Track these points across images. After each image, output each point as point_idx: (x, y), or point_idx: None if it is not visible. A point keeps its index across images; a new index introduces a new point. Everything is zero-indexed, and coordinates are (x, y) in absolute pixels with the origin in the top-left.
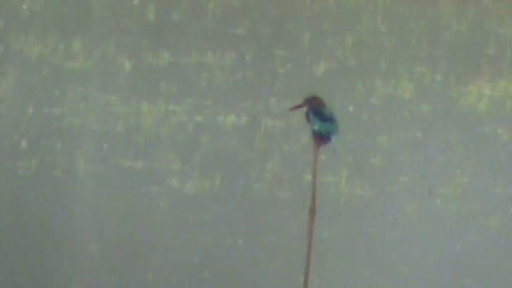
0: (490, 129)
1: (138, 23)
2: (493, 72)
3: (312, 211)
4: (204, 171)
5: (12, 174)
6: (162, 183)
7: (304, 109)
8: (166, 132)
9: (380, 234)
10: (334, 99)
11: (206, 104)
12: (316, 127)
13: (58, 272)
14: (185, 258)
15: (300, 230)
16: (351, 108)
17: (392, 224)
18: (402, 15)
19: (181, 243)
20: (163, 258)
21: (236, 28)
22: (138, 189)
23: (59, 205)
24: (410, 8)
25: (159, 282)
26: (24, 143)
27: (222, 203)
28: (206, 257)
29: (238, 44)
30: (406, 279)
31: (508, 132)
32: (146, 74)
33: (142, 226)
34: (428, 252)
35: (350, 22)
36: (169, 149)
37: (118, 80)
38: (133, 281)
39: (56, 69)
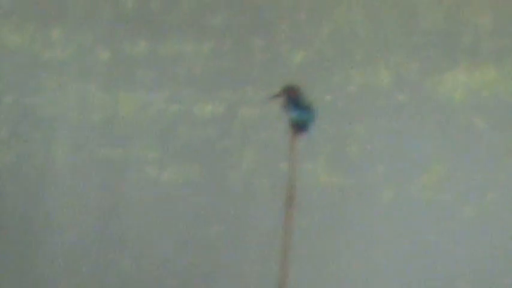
0: (466, 118)
1: (116, 12)
2: (470, 62)
3: (290, 198)
4: (181, 160)
5: None
6: (140, 172)
7: (282, 98)
8: (144, 121)
9: (357, 222)
10: (312, 88)
11: (184, 93)
12: (293, 116)
13: (36, 262)
14: (163, 247)
15: (277, 218)
16: (328, 97)
17: (369, 212)
18: (378, 4)
19: (159, 232)
20: (141, 247)
21: (214, 18)
22: (116, 178)
23: (37, 194)
24: None
25: (136, 271)
26: (1, 133)
27: (199, 192)
28: (184, 246)
29: (215, 33)
30: (382, 267)
31: (483, 122)
32: (124, 63)
33: (120, 215)
34: (404, 241)
35: (327, 11)
36: (147, 138)
37: (95, 69)
38: (110, 270)
39: (33, 59)
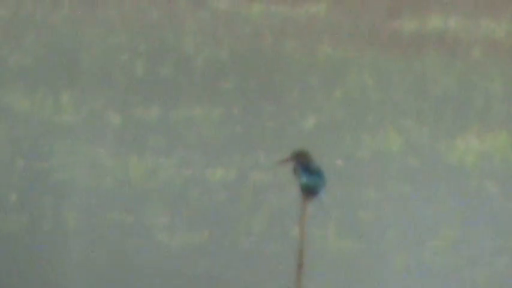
0: (477, 182)
1: (127, 78)
2: (481, 126)
3: (300, 265)
4: (192, 225)
5: (1, 229)
6: (151, 237)
7: (292, 163)
8: (154, 186)
9: (370, 287)
10: (322, 153)
11: (194, 158)
12: (303, 181)
13: None
14: None
15: (287, 283)
16: (338, 162)
17: (380, 278)
18: (389, 69)
19: None
20: None
21: (224, 82)
22: (126, 243)
23: (48, 260)
24: (397, 62)
25: None
26: (13, 197)
27: (210, 257)
28: None
29: (226, 98)
30: None
31: (495, 186)
32: (135, 128)
33: (130, 280)
34: None
35: (338, 76)
36: (158, 203)
37: (107, 134)
38: None
39: (44, 124)
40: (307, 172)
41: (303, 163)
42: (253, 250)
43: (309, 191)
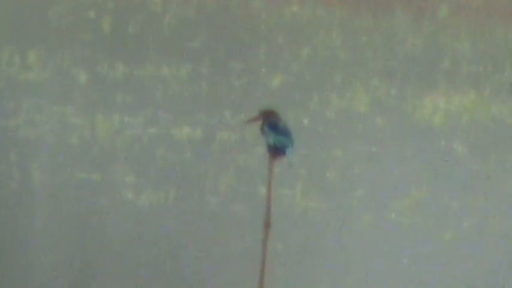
0: (445, 143)
1: (94, 35)
2: (448, 86)
3: (267, 224)
4: (158, 184)
5: None
6: (117, 196)
7: (259, 122)
8: (121, 145)
9: (334, 248)
10: (289, 113)
11: (161, 117)
12: (271, 140)
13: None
14: (139, 271)
15: (254, 243)
16: (305, 122)
17: (346, 237)
18: (357, 28)
19: (135, 256)
20: (117, 271)
21: (192, 41)
22: (93, 202)
23: (13, 216)
24: (366, 21)
25: None
26: None
27: (176, 216)
28: (160, 270)
29: (193, 56)
30: None
31: (463, 146)
32: (101, 86)
33: (96, 238)
34: (382, 267)
35: (305, 35)
36: (124, 162)
37: (73, 91)
38: None
39: (10, 81)
40: (275, 131)
41: (271, 122)
42: (220, 209)
43: (276, 151)
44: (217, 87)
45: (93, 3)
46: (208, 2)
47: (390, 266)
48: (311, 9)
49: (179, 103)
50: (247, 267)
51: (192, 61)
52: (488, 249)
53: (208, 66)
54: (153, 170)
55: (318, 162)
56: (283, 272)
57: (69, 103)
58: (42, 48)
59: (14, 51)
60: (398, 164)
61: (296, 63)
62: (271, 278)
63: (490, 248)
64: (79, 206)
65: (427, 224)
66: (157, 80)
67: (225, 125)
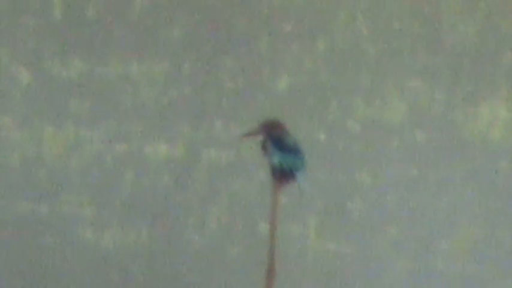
0: (506, 162)
1: (40, 22)
2: (511, 90)
3: (270, 272)
4: (127, 219)
5: None
6: (72, 234)
7: (261, 137)
8: (76, 166)
9: None
10: (301, 124)
11: (130, 129)
12: (275, 161)
13: None
14: None
15: None
16: (322, 136)
17: None
18: (391, 13)
19: None
20: None
21: (170, 29)
22: (39, 241)
23: None
24: (402, 4)
25: None
26: None
27: (150, 261)
28: None
29: (172, 50)
30: None
31: None
32: (50, 89)
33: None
34: None
35: (321, 23)
36: (81, 189)
37: (12, 96)
38: None
39: None
40: (281, 149)
41: (275, 137)
42: (208, 252)
43: (283, 174)
44: (204, 91)
45: None
46: None
47: None
48: None
49: (154, 111)
50: None
51: (171, 56)
52: None
53: (193, 63)
54: (119, 200)
55: (338, 189)
56: None
57: (7, 111)
58: None
59: None
60: (445, 193)
61: (309, 59)
62: None
63: None
64: (21, 247)
65: (483, 273)
66: (124, 81)
67: (214, 140)
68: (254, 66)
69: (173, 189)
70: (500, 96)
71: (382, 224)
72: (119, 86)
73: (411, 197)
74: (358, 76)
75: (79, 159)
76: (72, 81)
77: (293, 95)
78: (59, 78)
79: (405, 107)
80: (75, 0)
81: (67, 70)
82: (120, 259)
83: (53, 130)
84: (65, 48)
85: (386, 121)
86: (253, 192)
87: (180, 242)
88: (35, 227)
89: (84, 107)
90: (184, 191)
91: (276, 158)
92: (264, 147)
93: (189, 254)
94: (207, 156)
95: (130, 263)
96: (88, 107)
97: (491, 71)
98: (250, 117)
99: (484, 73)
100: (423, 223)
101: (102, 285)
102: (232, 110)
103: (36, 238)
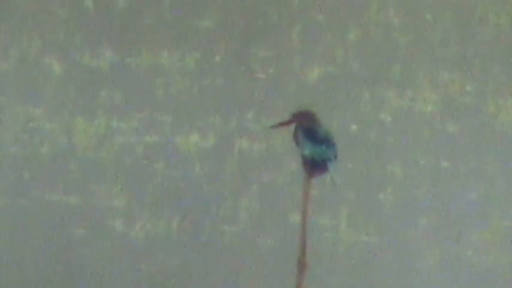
0: None
1: (71, 12)
2: None
3: (302, 264)
4: (157, 210)
5: None
6: (102, 225)
7: (292, 128)
8: (107, 157)
9: None
10: (332, 115)
11: (161, 120)
12: (307, 151)
13: None
14: None
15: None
16: (353, 127)
17: (408, 280)
18: (422, 4)
19: None
20: None
21: (202, 19)
22: (69, 233)
23: None
24: None
25: None
26: None
27: (181, 252)
28: None
29: (203, 40)
30: None
31: None
32: (81, 79)
33: (76, 281)
34: None
35: (353, 13)
36: (112, 180)
37: (44, 87)
38: None
39: None
40: (312, 140)
41: (307, 128)
42: (238, 244)
43: (315, 165)
44: (235, 81)
45: None
46: None
47: None
48: None
49: (185, 102)
50: None
51: (202, 46)
52: None
53: (224, 54)
54: (150, 191)
55: (370, 180)
56: None
57: (38, 102)
58: (3, 30)
59: None
60: (476, 184)
61: (341, 49)
62: None
63: None
64: (50, 237)
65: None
66: (155, 72)
67: (246, 131)
68: (286, 56)
69: (204, 180)
70: None
71: (413, 215)
72: (149, 76)
73: (442, 188)
74: (389, 67)
75: (110, 150)
76: (103, 71)
77: (325, 85)
78: (90, 68)
79: (437, 98)
80: None
81: (98, 61)
82: (150, 250)
83: (84, 121)
84: (96, 39)
85: (418, 112)
86: (284, 183)
87: (211, 234)
88: (66, 218)
89: (115, 97)
90: (215, 182)
91: (308, 149)
92: (295, 138)
93: (220, 245)
94: (238, 147)
95: (160, 254)
96: (119, 98)
97: None
98: (282, 107)
99: None
100: (454, 214)
101: (132, 277)
102: (264, 101)
103: (67, 229)
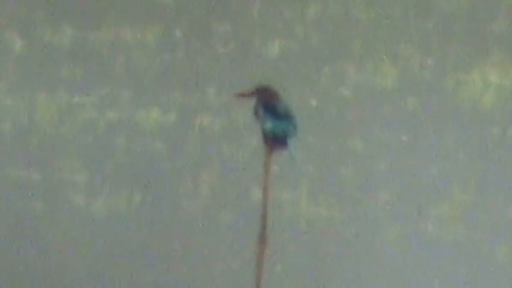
0: (498, 129)
1: None
2: (503, 54)
3: (262, 238)
4: (118, 185)
5: None
6: (64, 200)
7: (252, 103)
8: (69, 133)
9: (352, 268)
10: (292, 90)
11: (122, 96)
12: (267, 127)
13: None
14: None
15: (245, 262)
16: (313, 102)
17: (367, 256)
18: None
19: (88, 278)
20: None
21: None
22: (31, 207)
23: None
24: None
25: None
26: None
27: (142, 227)
28: None
29: (164, 15)
30: None
31: None
32: (42, 55)
33: (31, 254)
34: None
35: None
36: (73, 155)
37: (5, 63)
38: None
39: None
40: (273, 115)
41: (267, 103)
42: (200, 219)
43: (275, 140)
44: (196, 57)
45: None
46: None
47: None
48: None
49: (146, 78)
50: None
51: (163, 22)
52: None
53: (185, 29)
54: (111, 167)
55: (330, 155)
56: None
57: None
58: None
59: None
60: (436, 158)
61: (301, 24)
62: None
63: None
64: (13, 212)
65: (474, 237)
66: (116, 48)
67: (206, 106)
68: (246, 32)
69: (165, 155)
70: (492, 63)
71: (373, 189)
72: (111, 52)
73: (403, 163)
74: (349, 42)
75: (71, 125)
76: (64, 48)
77: (285, 60)
78: (51, 45)
79: (397, 73)
80: None
81: (59, 37)
82: (111, 225)
83: (45, 97)
84: (56, 15)
85: (378, 87)
86: (245, 158)
87: (172, 208)
88: (27, 193)
89: (76, 73)
90: (176, 157)
91: (268, 124)
92: (256, 113)
93: (181, 219)
94: (199, 122)
95: (121, 229)
96: (80, 74)
97: (482, 37)
98: (243, 83)
99: (475, 39)
100: (414, 189)
101: (93, 251)
102: (225, 76)
103: (28, 204)
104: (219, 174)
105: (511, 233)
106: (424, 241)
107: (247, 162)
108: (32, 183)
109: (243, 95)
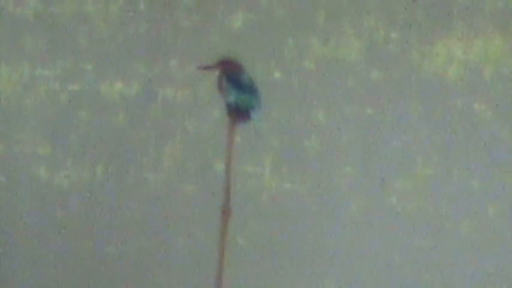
0: (462, 102)
1: None
2: (467, 27)
3: (226, 211)
4: (81, 157)
5: None
6: (26, 172)
7: (216, 75)
8: (31, 105)
9: (314, 242)
10: (256, 62)
11: (85, 68)
12: (231, 99)
13: None
14: (56, 268)
15: (209, 235)
16: (277, 75)
17: (332, 228)
18: None
19: (51, 250)
20: (28, 269)
21: None
22: None
23: None
24: None
25: None
26: None
27: (105, 199)
28: (83, 268)
29: None
30: None
31: (486, 107)
32: (5, 26)
33: None
34: (379, 265)
35: None
36: (35, 127)
37: None
38: None
39: None
40: (236, 87)
41: (231, 75)
42: (162, 191)
43: (239, 113)
44: (159, 29)
45: None
46: None
47: (388, 266)
48: None
49: (109, 50)
50: (198, 269)
51: None
52: None
53: (147, 1)
54: (73, 139)
55: (294, 128)
56: (246, 275)
57: None
58: None
59: None
60: (400, 131)
61: None
62: (230, 283)
63: None
64: None
65: (438, 210)
66: (79, 20)
67: (169, 78)
68: (209, 4)
69: (128, 127)
70: (456, 36)
71: (337, 162)
72: (73, 24)
73: (367, 136)
74: (313, 14)
75: (34, 98)
76: (27, 19)
77: (248, 32)
78: (13, 16)
79: (361, 46)
80: None
81: (21, 8)
82: (73, 197)
83: (7, 69)
84: None
85: (342, 60)
86: (208, 131)
87: (135, 180)
88: None
89: (39, 45)
90: (139, 129)
91: (232, 97)
92: (219, 86)
93: (144, 192)
94: (162, 95)
95: (84, 201)
96: (43, 46)
97: (446, 10)
98: (206, 55)
99: (439, 13)
100: (379, 161)
101: (55, 223)
102: (188, 48)
103: None
104: (182, 147)
105: (475, 206)
106: (387, 214)
107: (210, 135)
108: (0, 156)
109: (206, 67)
